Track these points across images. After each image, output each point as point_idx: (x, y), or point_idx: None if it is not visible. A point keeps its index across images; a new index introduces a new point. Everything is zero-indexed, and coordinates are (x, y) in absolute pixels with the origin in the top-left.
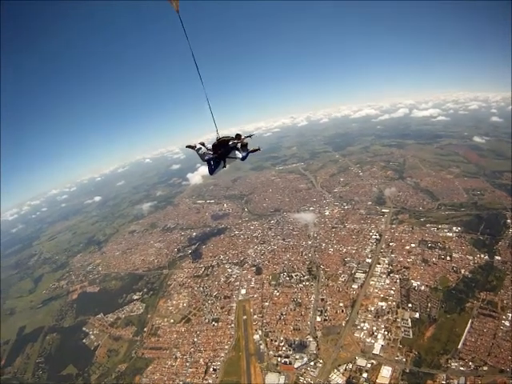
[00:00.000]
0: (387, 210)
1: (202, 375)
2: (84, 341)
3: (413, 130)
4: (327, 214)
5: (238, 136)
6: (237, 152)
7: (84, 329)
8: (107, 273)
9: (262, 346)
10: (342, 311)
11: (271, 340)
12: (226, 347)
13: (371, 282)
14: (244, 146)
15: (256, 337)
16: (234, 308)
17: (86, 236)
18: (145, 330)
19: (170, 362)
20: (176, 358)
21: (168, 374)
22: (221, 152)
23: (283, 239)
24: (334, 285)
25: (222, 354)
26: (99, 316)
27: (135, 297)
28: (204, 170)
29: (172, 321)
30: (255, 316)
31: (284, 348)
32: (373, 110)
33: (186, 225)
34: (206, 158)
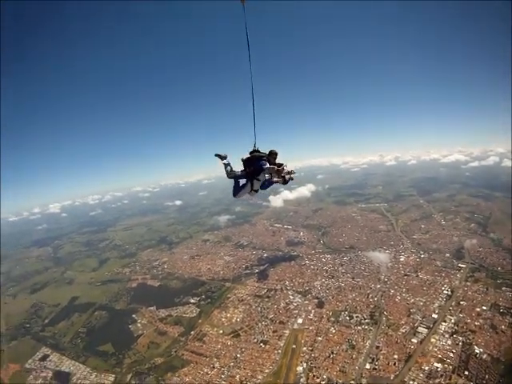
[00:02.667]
0: (464, 266)
1: None
2: (130, 326)
3: (502, 182)
4: (402, 259)
5: (271, 153)
6: (267, 175)
7: (133, 316)
8: (171, 272)
9: (302, 379)
10: (395, 364)
11: (313, 376)
12: (267, 371)
13: (432, 340)
14: (278, 172)
15: (299, 368)
16: (286, 335)
17: (160, 235)
18: (192, 333)
19: (206, 370)
20: (213, 367)
21: (200, 380)
22: (249, 171)
23: (352, 278)
24: (394, 334)
25: (260, 377)
26: (151, 308)
27: (192, 300)
28: (286, 194)
29: (221, 331)
30: (305, 348)
31: None
32: (462, 155)
33: (259, 245)
34: (232, 175)
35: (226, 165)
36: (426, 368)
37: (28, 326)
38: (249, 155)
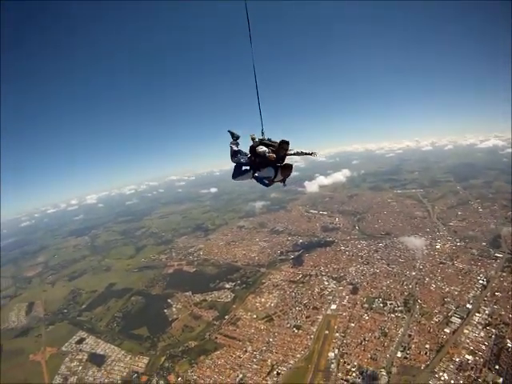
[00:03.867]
0: (501, 255)
1: (264, 375)
2: (165, 311)
3: None
4: (438, 247)
5: (282, 143)
6: (271, 169)
7: (169, 300)
8: (207, 258)
9: (333, 365)
10: (426, 353)
11: (344, 362)
12: (298, 356)
13: (465, 331)
14: (285, 169)
15: (331, 354)
16: (320, 321)
17: (196, 222)
18: (226, 317)
19: (238, 353)
20: (246, 351)
21: (232, 363)
22: (256, 161)
23: (387, 264)
24: (426, 323)
25: (291, 362)
26: (187, 293)
27: (227, 286)
28: (321, 180)
29: (255, 316)
30: (337, 334)
31: (354, 374)
32: (500, 141)
33: (294, 231)
34: (237, 159)
35: (234, 145)
36: (457, 359)
37: (66, 311)
38: (259, 143)
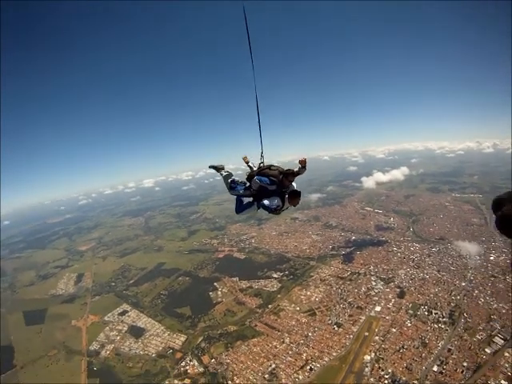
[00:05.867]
0: None
1: (297, 368)
2: (210, 293)
3: None
4: (492, 258)
5: (288, 176)
6: (278, 199)
7: (215, 284)
8: (258, 246)
9: (366, 369)
10: (462, 372)
11: (379, 367)
12: (334, 354)
13: (506, 354)
14: (294, 197)
15: (367, 357)
16: (362, 321)
17: None
18: (269, 306)
19: (275, 343)
20: (283, 342)
21: (267, 352)
22: (256, 190)
23: (438, 271)
24: (468, 340)
25: (326, 359)
26: (234, 279)
27: (275, 275)
28: (379, 176)
29: (298, 308)
30: (377, 337)
31: (386, 382)
32: None
33: (347, 227)
34: (236, 192)
35: (226, 177)
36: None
37: (113, 284)
38: (257, 171)
